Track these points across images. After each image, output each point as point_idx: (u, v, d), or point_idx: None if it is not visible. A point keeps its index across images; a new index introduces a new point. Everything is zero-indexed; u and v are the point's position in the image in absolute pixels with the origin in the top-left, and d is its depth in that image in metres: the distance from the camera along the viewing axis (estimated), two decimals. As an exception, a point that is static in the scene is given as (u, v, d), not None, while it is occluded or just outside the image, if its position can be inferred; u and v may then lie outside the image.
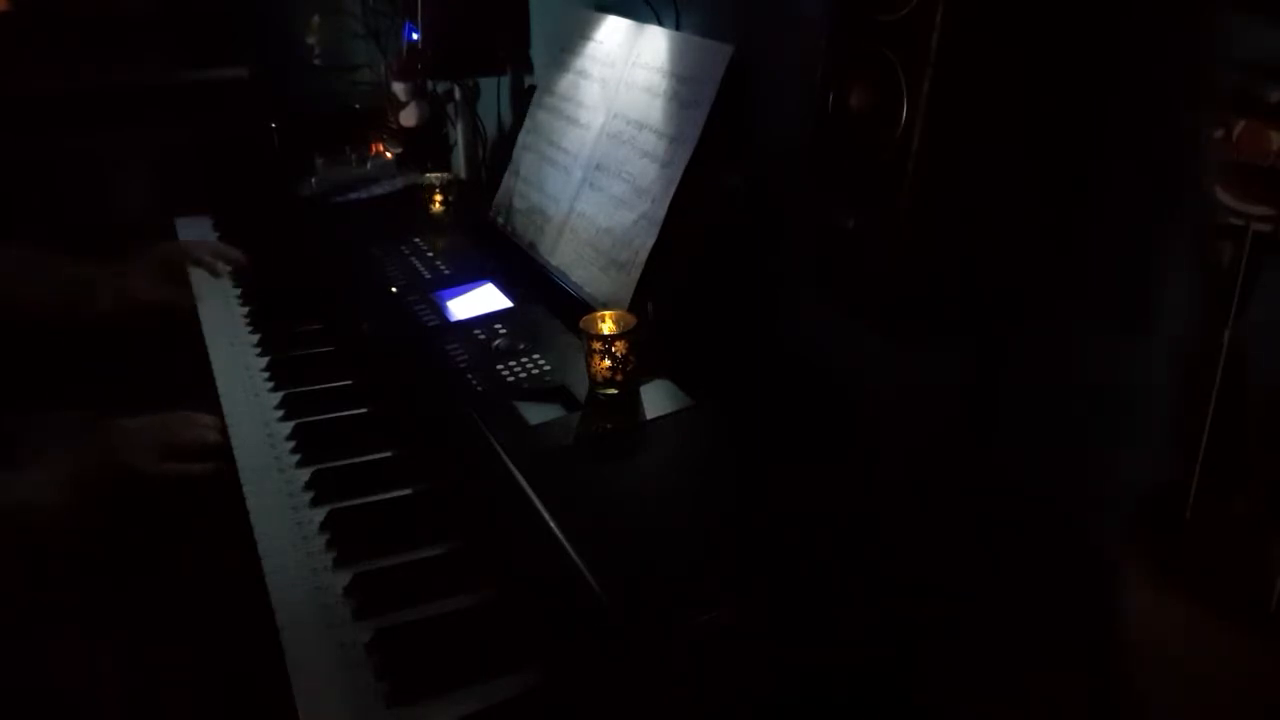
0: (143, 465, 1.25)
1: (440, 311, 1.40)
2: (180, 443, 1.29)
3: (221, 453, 1.28)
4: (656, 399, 1.13)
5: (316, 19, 2.65)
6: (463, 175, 2.13)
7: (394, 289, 1.50)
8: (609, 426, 1.09)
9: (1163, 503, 0.75)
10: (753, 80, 1.27)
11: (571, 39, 1.57)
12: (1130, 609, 0.75)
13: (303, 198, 2.01)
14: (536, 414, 1.11)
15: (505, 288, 1.45)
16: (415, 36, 1.95)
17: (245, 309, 1.69)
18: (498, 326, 1.32)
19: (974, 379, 1.06)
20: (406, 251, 1.65)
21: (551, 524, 0.91)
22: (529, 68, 1.98)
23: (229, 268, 1.80)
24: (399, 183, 2.04)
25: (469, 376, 1.20)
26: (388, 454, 1.25)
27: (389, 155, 2.17)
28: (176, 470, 1.27)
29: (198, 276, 1.77)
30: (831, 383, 1.19)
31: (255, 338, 1.58)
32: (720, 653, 0.81)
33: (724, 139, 1.24)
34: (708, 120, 1.22)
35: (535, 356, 1.23)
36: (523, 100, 1.95)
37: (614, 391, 1.13)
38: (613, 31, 1.48)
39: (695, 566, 0.87)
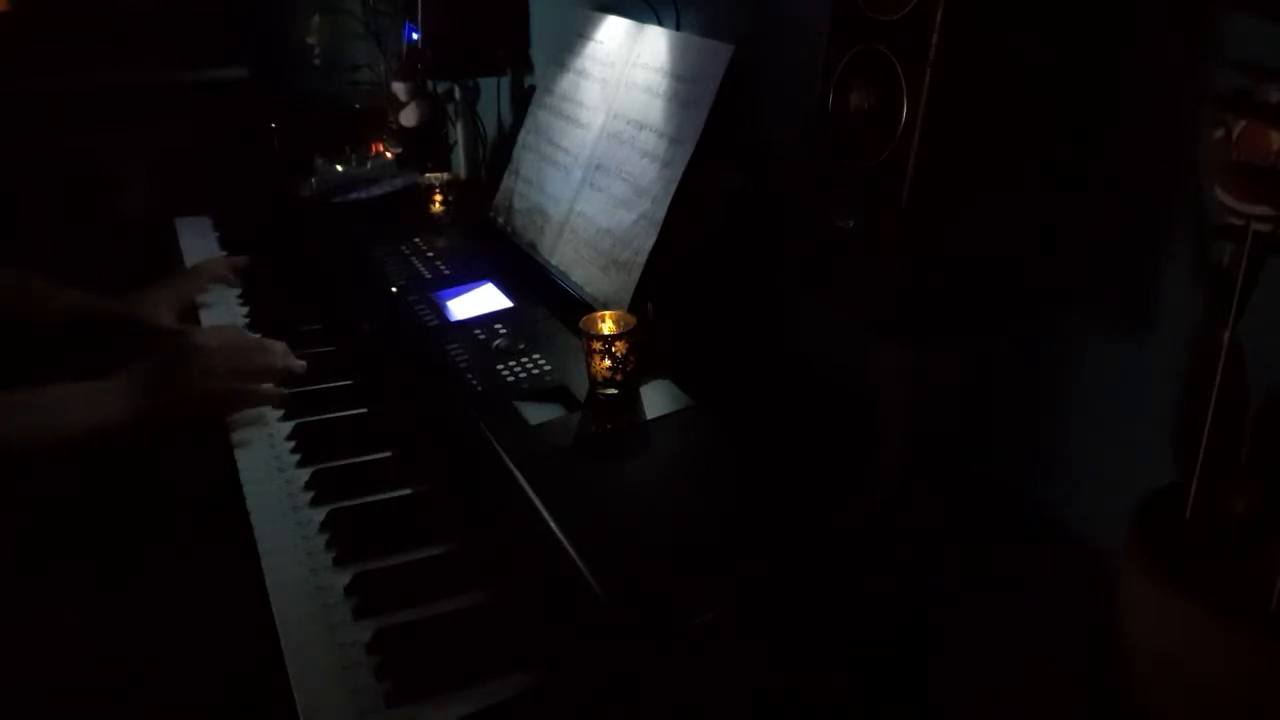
0: (213, 382, 1.26)
1: (440, 311, 1.40)
2: (252, 367, 1.31)
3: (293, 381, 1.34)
4: (656, 399, 1.13)
5: (316, 19, 2.65)
6: (463, 175, 2.13)
7: (394, 289, 1.50)
8: (609, 426, 1.09)
9: (1162, 503, 0.75)
10: (753, 80, 1.27)
11: (571, 39, 1.57)
12: (1130, 609, 0.75)
13: (303, 198, 2.01)
14: (536, 414, 1.11)
15: (505, 288, 1.45)
16: (415, 36, 1.95)
17: (245, 309, 1.69)
18: (498, 326, 1.32)
19: (973, 379, 1.06)
20: (406, 251, 1.65)
21: (551, 524, 0.91)
22: (529, 68, 1.99)
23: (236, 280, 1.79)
24: (399, 183, 2.04)
25: (469, 376, 1.20)
26: (388, 454, 1.25)
27: (389, 155, 2.17)
28: (246, 390, 1.30)
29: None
30: (831, 383, 1.19)
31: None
32: (719, 652, 0.81)
33: (724, 139, 1.24)
34: (708, 120, 1.22)
35: (535, 356, 1.23)
36: (523, 100, 1.95)
37: (614, 391, 1.13)
38: (613, 31, 1.48)
39: (695, 566, 0.87)
